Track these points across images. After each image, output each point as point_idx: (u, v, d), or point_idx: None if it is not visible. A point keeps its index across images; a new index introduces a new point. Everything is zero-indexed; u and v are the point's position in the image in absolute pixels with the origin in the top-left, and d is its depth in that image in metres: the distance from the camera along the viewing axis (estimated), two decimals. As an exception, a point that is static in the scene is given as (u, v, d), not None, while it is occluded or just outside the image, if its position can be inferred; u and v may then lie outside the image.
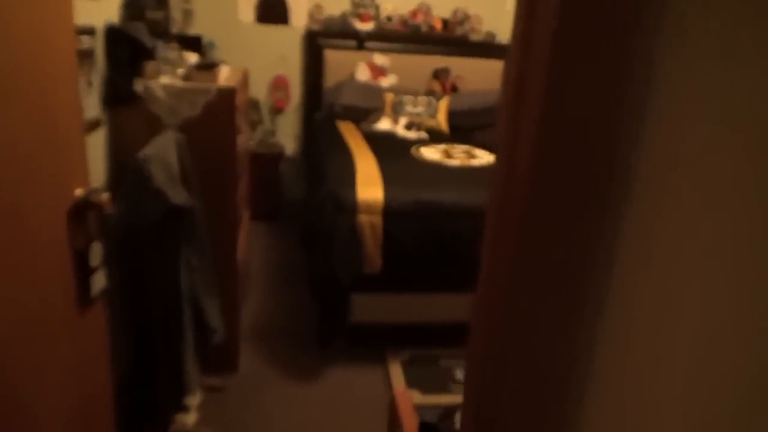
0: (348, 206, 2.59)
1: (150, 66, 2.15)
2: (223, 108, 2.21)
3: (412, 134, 3.79)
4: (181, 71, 2.23)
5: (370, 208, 2.60)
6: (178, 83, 2.18)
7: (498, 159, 0.89)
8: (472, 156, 3.36)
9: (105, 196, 1.29)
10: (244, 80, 2.83)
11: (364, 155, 3.18)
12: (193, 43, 2.54)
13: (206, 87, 2.18)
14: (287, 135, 4.61)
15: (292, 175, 4.65)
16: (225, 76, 2.46)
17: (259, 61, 4.39)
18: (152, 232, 1.73)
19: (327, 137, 3.78)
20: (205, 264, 2.18)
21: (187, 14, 3.85)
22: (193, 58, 2.32)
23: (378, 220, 2.61)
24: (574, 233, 0.79)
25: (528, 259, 0.80)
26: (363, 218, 2.60)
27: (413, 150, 3.42)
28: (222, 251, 2.35)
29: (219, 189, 2.29)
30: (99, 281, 1.34)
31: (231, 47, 4.31)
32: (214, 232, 2.23)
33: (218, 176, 2.27)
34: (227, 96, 2.21)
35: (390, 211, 2.61)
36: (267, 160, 4.29)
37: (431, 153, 3.37)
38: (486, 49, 4.58)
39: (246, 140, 3.03)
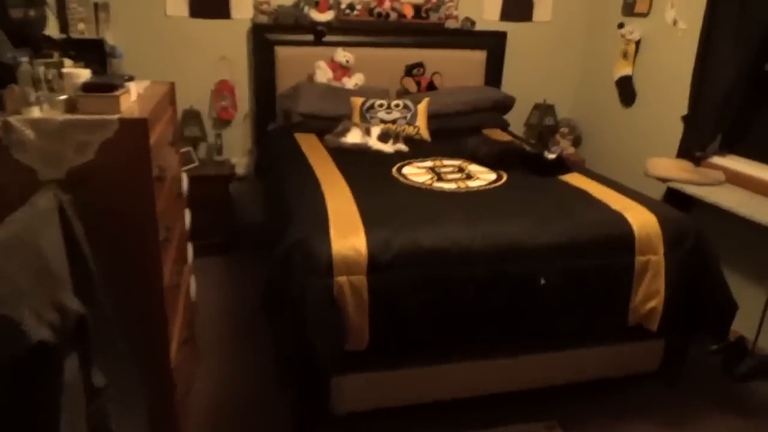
0: (321, 265, 1.92)
1: (11, 93, 1.42)
2: (131, 147, 1.50)
3: (388, 147, 3.13)
4: (62, 98, 1.50)
5: (350, 266, 1.93)
6: (58, 116, 1.45)
7: None
8: (468, 175, 2.72)
9: None
10: (169, 97, 2.11)
11: (335, 183, 2.49)
12: (89, 51, 1.80)
13: (102, 120, 1.47)
14: (237, 150, 3.87)
15: (246, 196, 3.92)
16: (136, 96, 1.74)
17: (196, 63, 3.63)
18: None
19: (284, 156, 3.07)
20: (120, 373, 1.48)
21: (100, 9, 3.07)
22: (83, 74, 1.59)
23: (362, 280, 1.94)
24: None
25: None
26: (342, 280, 1.93)
27: (394, 171, 2.75)
28: (147, 334, 1.65)
29: (134, 258, 1.58)
30: None
31: (159, 49, 3.54)
32: (134, 306, 1.53)
33: (130, 241, 1.56)
34: (136, 129, 1.49)
35: (377, 267, 1.95)
36: (214, 183, 3.56)
37: (417, 174, 2.71)
38: (464, 38, 3.94)
39: (178, 164, 2.31)
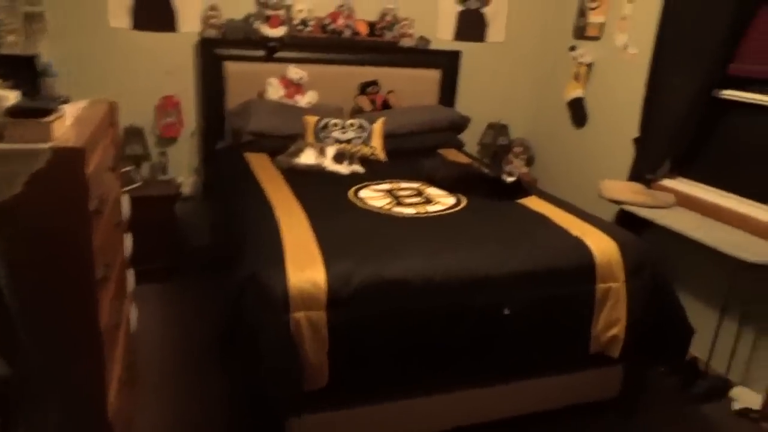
0: (277, 300, 1.80)
1: None
2: (65, 179, 1.34)
3: (344, 168, 3.03)
4: (-17, 124, 1.33)
5: (308, 301, 1.82)
6: (-21, 145, 1.29)
7: None
8: (427, 199, 2.65)
9: None
10: (110, 118, 1.95)
11: (289, 209, 2.37)
12: (19, 69, 1.63)
13: (31, 149, 1.31)
14: (183, 169, 3.68)
15: (193, 217, 3.73)
16: (72, 120, 1.58)
17: (139, 78, 3.44)
18: None
19: (234, 178, 2.93)
20: None
21: (33, 19, 2.86)
22: (10, 96, 1.42)
23: (321, 316, 1.83)
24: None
25: None
26: (299, 316, 1.81)
27: (351, 195, 2.65)
28: (81, 385, 1.49)
29: (67, 303, 1.42)
30: None
31: (99, 62, 3.34)
32: (67, 356, 1.37)
33: (63, 284, 1.40)
34: (71, 159, 1.34)
35: (337, 302, 1.84)
36: (158, 203, 3.36)
37: (375, 198, 2.62)
38: (419, 56, 3.90)
39: (119, 188, 2.14)
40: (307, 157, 3.05)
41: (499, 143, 4.12)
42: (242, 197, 2.61)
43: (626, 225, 2.94)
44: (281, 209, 2.36)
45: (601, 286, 2.16)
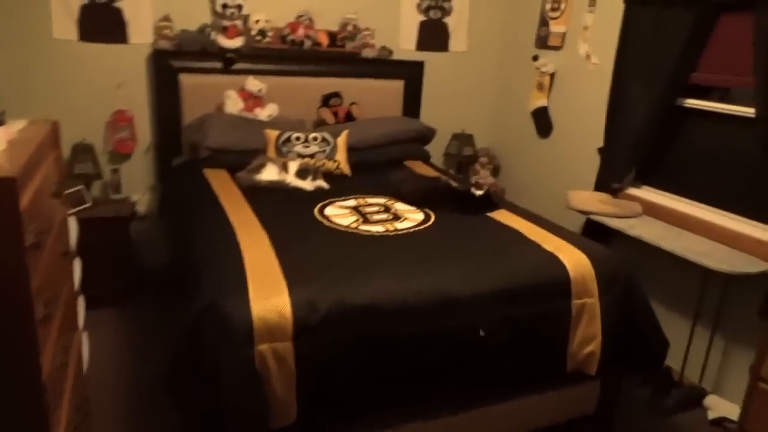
0: (239, 332, 1.67)
1: None
2: (-3, 212, 1.20)
3: (307, 184, 2.92)
4: None
5: (274, 332, 1.70)
6: None
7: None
8: (395, 215, 2.56)
9: None
10: (51, 139, 1.79)
11: (251, 229, 2.25)
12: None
13: (-46, 180, 1.16)
14: (138, 186, 3.50)
15: (149, 237, 3.55)
16: (6, 144, 1.43)
17: (88, 93, 3.26)
18: None
19: (192, 196, 2.78)
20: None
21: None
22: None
23: (287, 347, 1.71)
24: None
25: None
26: (264, 348, 1.69)
27: (316, 212, 2.55)
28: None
29: (1, 347, 1.27)
30: None
31: (44, 76, 3.15)
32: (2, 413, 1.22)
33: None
34: (2, 191, 1.20)
35: (304, 331, 1.73)
36: (110, 224, 3.18)
37: (341, 215, 2.52)
38: (382, 67, 3.83)
39: (64, 215, 1.97)
40: (269, 174, 2.93)
41: (464, 153, 4.08)
42: (200, 217, 2.47)
43: (593, 235, 2.93)
44: (242, 230, 2.23)
45: (576, 303, 2.11)
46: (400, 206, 2.69)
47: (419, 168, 3.44)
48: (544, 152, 3.82)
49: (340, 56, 3.69)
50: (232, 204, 2.57)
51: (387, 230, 2.37)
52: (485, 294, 1.97)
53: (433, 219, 2.53)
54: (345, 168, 3.24)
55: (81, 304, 2.13)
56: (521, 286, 2.05)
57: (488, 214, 2.64)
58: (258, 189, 2.82)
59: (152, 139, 3.48)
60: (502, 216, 2.62)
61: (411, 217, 2.54)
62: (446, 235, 2.36)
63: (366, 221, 2.46)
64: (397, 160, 3.51)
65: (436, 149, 3.98)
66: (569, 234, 2.43)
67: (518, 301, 2.02)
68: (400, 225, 2.44)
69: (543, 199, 3.79)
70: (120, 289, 3.27)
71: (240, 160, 3.07)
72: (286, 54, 3.54)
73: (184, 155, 3.38)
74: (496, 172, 4.24)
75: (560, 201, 3.50)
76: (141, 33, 3.30)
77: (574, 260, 2.17)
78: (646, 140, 3.03)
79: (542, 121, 3.79)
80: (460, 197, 2.69)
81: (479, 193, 2.66)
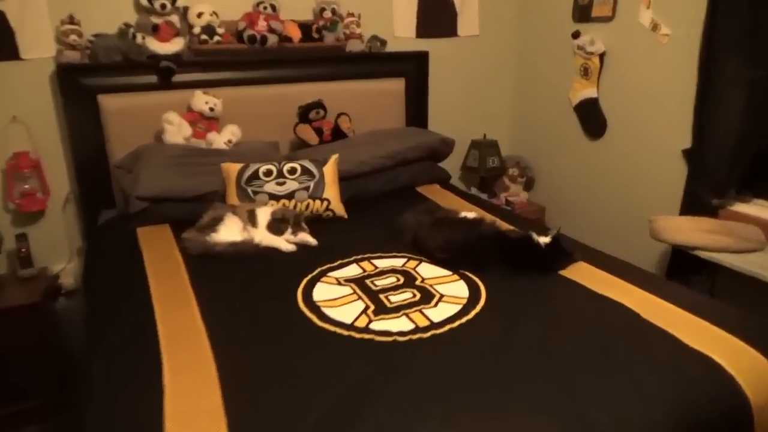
0: None
1: None
2: None
3: (285, 243, 2.01)
4: None
5: None
6: None
7: None
8: (421, 290, 1.65)
9: None
10: None
11: (188, 347, 1.33)
12: None
13: None
14: (58, 253, 2.58)
15: (81, 317, 2.62)
16: None
17: (-33, 132, 2.33)
18: None
19: (111, 278, 1.87)
20: None
21: None
22: None
23: None
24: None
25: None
26: None
27: (301, 298, 1.62)
28: None
29: None
30: None
31: None
32: None
33: None
34: None
35: None
36: (21, 315, 2.25)
37: (340, 299, 1.60)
38: (374, 63, 2.91)
39: None
40: (229, 232, 2.00)
41: (489, 165, 3.17)
42: (111, 318, 1.55)
43: (681, 271, 2.07)
44: (173, 347, 1.32)
45: (761, 445, 1.21)
46: (426, 270, 1.78)
47: (439, 197, 2.53)
48: (596, 158, 2.92)
49: (317, 54, 2.77)
50: (168, 293, 1.66)
51: (415, 326, 1.46)
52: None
53: (483, 294, 1.62)
54: (338, 208, 2.32)
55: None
56: (669, 425, 1.14)
57: (561, 271, 1.74)
58: (213, 258, 1.90)
59: (71, 188, 2.55)
60: (584, 274, 1.72)
61: (448, 293, 1.63)
62: (513, 326, 1.45)
63: (380, 309, 1.54)
64: (405, 187, 2.61)
65: (449, 162, 3.05)
66: (712, 306, 1.53)
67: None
68: (434, 313, 1.52)
69: (596, 222, 2.90)
70: (46, 401, 2.35)
71: (189, 210, 2.16)
72: (245, 56, 2.62)
73: (118, 207, 2.46)
74: (528, 186, 3.34)
75: (623, 224, 2.66)
76: (37, 43, 2.37)
77: (747, 368, 1.26)
78: (756, 138, 2.15)
79: (591, 117, 2.88)
80: (518, 248, 1.78)
81: (546, 240, 1.76)
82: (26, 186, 2.44)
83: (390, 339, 1.40)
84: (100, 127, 2.45)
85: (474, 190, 3.26)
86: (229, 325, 1.46)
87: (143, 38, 2.43)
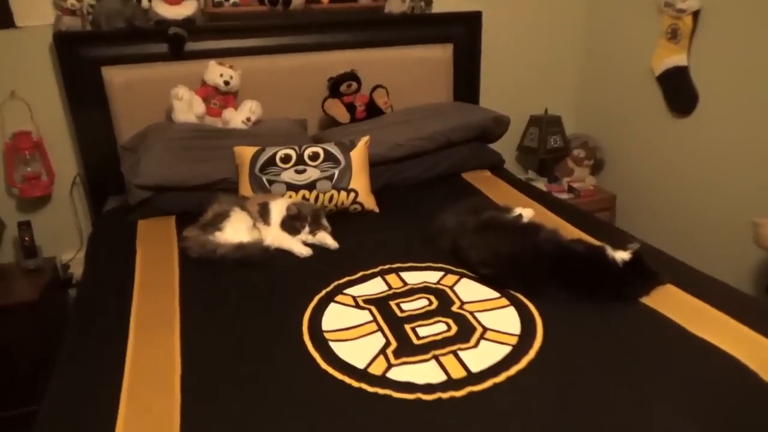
0: None
1: None
2: None
3: (299, 245, 1.69)
4: None
5: None
6: None
7: None
8: (458, 321, 1.29)
9: None
10: None
11: (155, 399, 1.04)
12: None
13: None
14: (67, 240, 2.38)
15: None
16: None
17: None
18: None
19: (99, 282, 1.61)
20: None
21: None
22: None
23: None
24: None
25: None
26: None
27: (306, 329, 1.30)
28: None
29: None
30: None
31: None
32: None
33: None
34: None
35: None
36: (22, 314, 2.06)
37: (353, 331, 1.27)
38: (417, 27, 2.52)
39: None
40: (235, 230, 1.70)
41: (550, 146, 2.73)
42: (79, 344, 1.29)
43: None
44: (135, 392, 1.03)
45: None
46: (467, 289, 1.42)
47: (488, 186, 2.14)
48: (682, 139, 2.44)
49: (350, 16, 2.40)
50: (150, 312, 1.39)
51: (448, 377, 1.11)
52: None
53: (539, 329, 1.25)
54: (367, 201, 1.97)
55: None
56: None
57: (643, 299, 1.35)
58: (214, 264, 1.61)
59: (78, 171, 2.32)
60: (673, 303, 1.32)
61: (493, 326, 1.27)
62: (578, 384, 1.08)
63: (403, 346, 1.20)
64: (450, 174, 2.23)
65: (503, 143, 2.62)
66: None
67: None
68: (473, 357, 1.17)
69: (679, 218, 2.45)
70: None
71: (197, 201, 1.87)
72: (266, 20, 2.29)
73: (129, 192, 2.20)
74: (596, 169, 2.88)
75: (715, 224, 2.24)
76: (34, 11, 2.11)
77: None
78: None
79: (679, 90, 2.39)
80: (585, 266, 1.39)
81: (625, 257, 1.36)
82: (28, 169, 2.23)
83: (412, 397, 1.06)
84: (106, 103, 2.19)
85: (531, 174, 2.84)
86: (207, 368, 1.17)
87: (150, 1, 2.12)
